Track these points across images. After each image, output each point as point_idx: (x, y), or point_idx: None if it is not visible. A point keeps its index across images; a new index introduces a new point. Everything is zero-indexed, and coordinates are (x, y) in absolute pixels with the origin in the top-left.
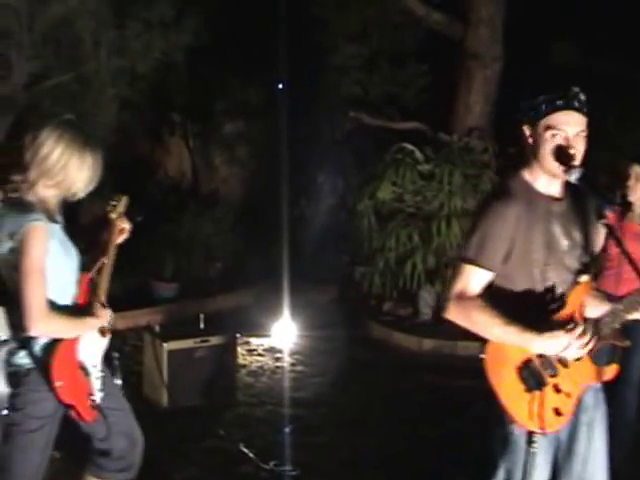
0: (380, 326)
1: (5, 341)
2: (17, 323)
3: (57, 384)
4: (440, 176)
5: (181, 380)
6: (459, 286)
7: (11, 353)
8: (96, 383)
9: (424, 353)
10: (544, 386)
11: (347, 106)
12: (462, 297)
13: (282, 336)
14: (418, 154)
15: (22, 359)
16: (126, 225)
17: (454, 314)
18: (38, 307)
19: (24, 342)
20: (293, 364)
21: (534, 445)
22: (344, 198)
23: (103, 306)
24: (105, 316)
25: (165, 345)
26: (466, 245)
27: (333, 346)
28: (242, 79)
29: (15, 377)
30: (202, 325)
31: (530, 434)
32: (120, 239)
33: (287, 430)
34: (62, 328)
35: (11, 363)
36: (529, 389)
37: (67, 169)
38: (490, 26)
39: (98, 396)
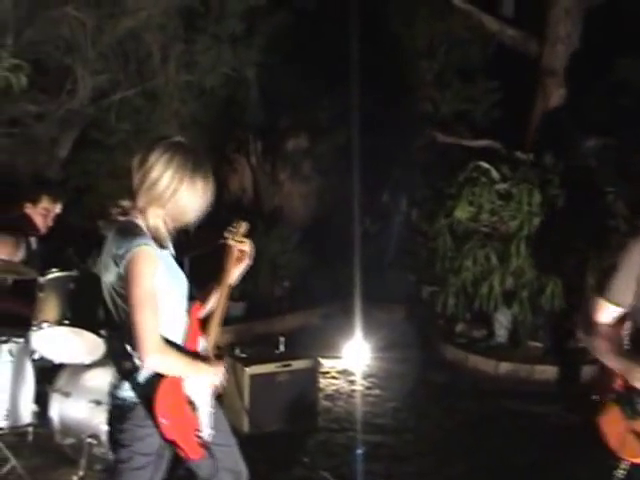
0: (454, 348)
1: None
2: (121, 353)
3: (162, 421)
4: (519, 196)
5: (262, 405)
6: (592, 315)
7: (115, 386)
8: (205, 419)
9: (501, 376)
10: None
11: (417, 123)
12: (592, 325)
13: (355, 358)
14: (494, 173)
15: (126, 392)
16: (247, 251)
17: (582, 338)
18: (153, 339)
19: (128, 374)
20: (368, 387)
21: None
22: (409, 216)
23: (219, 357)
24: (220, 366)
25: (247, 370)
26: (603, 280)
27: (407, 368)
28: (310, 95)
29: (120, 411)
30: (282, 348)
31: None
32: (240, 267)
33: (372, 458)
34: (176, 366)
35: (115, 396)
36: (629, 416)
37: (177, 196)
38: (567, 43)
39: (207, 433)
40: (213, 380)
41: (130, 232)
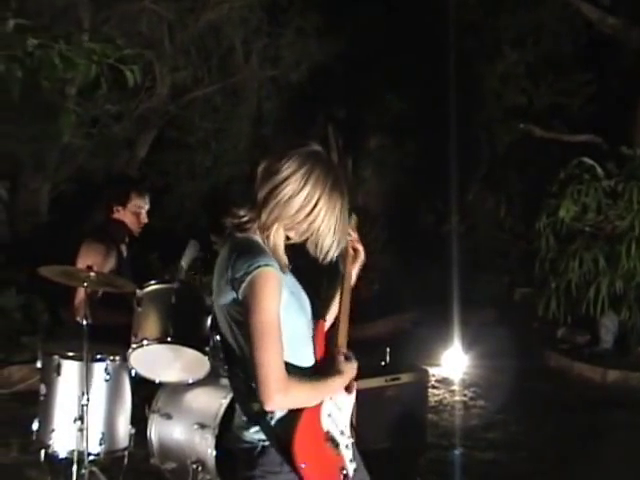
0: (558, 355)
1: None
2: (246, 391)
3: (301, 465)
4: (628, 194)
5: (370, 421)
6: None
7: (241, 427)
8: (347, 453)
9: (609, 385)
10: None
11: (510, 117)
12: None
13: (453, 366)
14: (599, 170)
15: (256, 434)
16: (360, 250)
17: None
18: (276, 377)
19: (257, 414)
20: (472, 398)
21: None
22: (498, 214)
23: (347, 358)
24: (352, 370)
25: (354, 384)
26: None
27: (508, 377)
28: (396, 89)
29: (248, 456)
30: (387, 359)
31: None
32: (356, 269)
33: (487, 478)
34: (304, 397)
35: (242, 439)
36: None
37: (313, 215)
38: None
39: (351, 469)
40: (349, 380)
41: (249, 250)
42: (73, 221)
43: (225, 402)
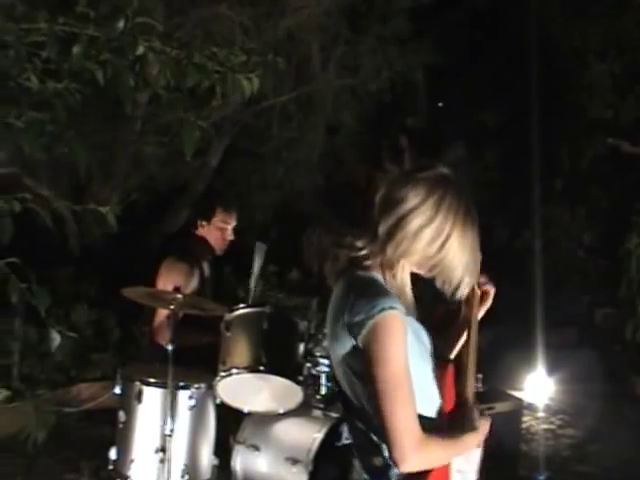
0: None
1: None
2: (365, 444)
3: None
4: None
5: None
6: None
7: None
8: None
9: None
10: None
11: (594, 131)
12: None
13: (538, 391)
14: None
15: None
16: (490, 292)
17: None
18: (411, 436)
19: (379, 470)
20: (561, 426)
21: None
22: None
23: (478, 410)
24: (486, 426)
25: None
26: None
27: (597, 404)
28: (477, 100)
29: None
30: (480, 386)
31: None
32: (483, 309)
33: None
34: (440, 456)
35: None
36: None
37: (446, 249)
38: None
39: None
40: (484, 434)
41: (369, 290)
42: (144, 232)
43: (319, 436)
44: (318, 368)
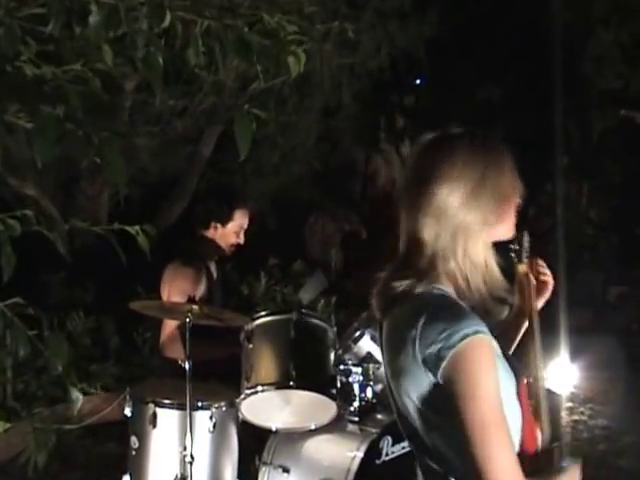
0: None
1: None
2: None
3: None
4: None
5: None
6: None
7: None
8: None
9: None
10: None
11: (605, 102)
12: None
13: (561, 379)
14: None
15: None
16: (548, 280)
17: None
18: None
19: None
20: (592, 416)
21: None
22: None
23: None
24: (576, 469)
25: None
26: None
27: (624, 391)
28: (483, 75)
29: None
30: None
31: None
32: (541, 301)
33: None
34: None
35: None
36: None
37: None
38: None
39: None
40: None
41: (442, 312)
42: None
43: (359, 455)
44: (350, 378)
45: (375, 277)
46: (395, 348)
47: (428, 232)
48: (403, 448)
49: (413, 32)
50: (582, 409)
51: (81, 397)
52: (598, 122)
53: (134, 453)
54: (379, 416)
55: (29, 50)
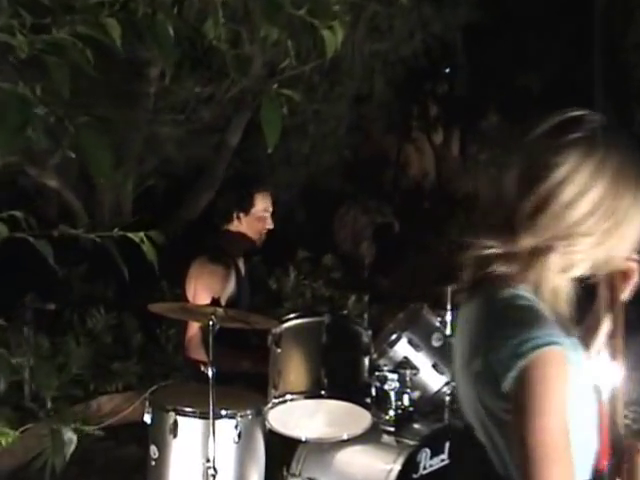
0: None
1: None
2: None
3: None
4: None
5: None
6: None
7: None
8: None
9: None
10: None
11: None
12: None
13: (601, 379)
14: None
15: None
16: (634, 268)
17: None
18: None
19: None
20: (636, 420)
21: None
22: None
23: None
24: None
25: None
26: None
27: None
28: (521, 62)
29: None
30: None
31: None
32: (627, 292)
33: None
34: None
35: None
36: None
37: (615, 222)
38: None
39: None
40: None
41: (515, 316)
42: (162, 221)
43: (396, 468)
44: (386, 385)
45: (472, 244)
46: (464, 349)
47: (525, 227)
48: (442, 461)
49: (448, 17)
50: (625, 412)
51: (75, 438)
52: (637, 112)
53: (153, 464)
54: (416, 426)
55: (21, 22)
